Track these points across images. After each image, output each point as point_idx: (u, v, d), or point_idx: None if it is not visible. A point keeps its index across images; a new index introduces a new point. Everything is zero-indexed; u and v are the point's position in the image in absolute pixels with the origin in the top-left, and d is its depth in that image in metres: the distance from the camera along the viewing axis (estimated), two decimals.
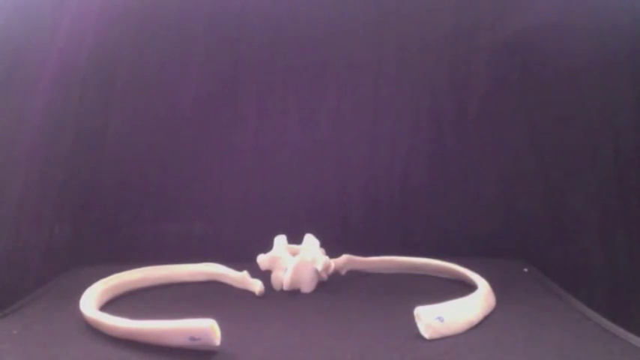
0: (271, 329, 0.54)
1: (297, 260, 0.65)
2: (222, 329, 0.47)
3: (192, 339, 0.47)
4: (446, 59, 0.83)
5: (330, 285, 0.68)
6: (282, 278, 0.65)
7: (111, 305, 0.61)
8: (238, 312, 0.59)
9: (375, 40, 0.83)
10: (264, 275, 0.66)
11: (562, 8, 0.78)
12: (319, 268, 0.65)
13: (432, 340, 0.50)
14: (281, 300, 0.63)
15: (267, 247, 0.67)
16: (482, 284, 0.60)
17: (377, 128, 0.83)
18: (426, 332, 0.50)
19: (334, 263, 0.68)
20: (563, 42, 0.77)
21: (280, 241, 0.68)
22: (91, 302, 0.57)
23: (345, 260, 0.71)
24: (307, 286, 0.65)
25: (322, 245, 0.68)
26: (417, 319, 0.50)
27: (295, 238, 0.68)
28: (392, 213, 0.82)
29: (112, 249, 0.80)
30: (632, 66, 0.75)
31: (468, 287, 0.62)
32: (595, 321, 0.55)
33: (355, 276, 0.71)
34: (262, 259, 0.66)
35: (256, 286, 0.65)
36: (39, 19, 0.76)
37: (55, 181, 0.78)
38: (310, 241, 0.67)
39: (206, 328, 0.46)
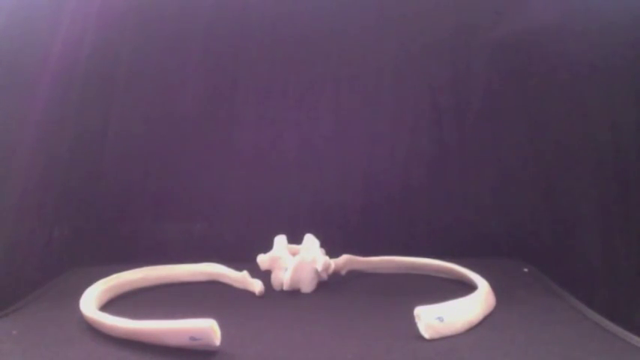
0: (271, 329, 0.54)
1: (297, 260, 0.65)
2: (222, 329, 0.47)
3: (192, 339, 0.47)
4: (446, 59, 0.83)
5: (330, 285, 0.68)
6: (282, 278, 0.65)
7: (111, 305, 0.61)
8: (238, 312, 0.59)
9: (375, 40, 0.83)
10: (264, 275, 0.66)
11: (562, 8, 0.78)
12: (319, 268, 0.65)
13: (432, 340, 0.50)
14: (281, 300, 0.63)
15: (267, 247, 0.67)
16: (482, 284, 0.60)
17: (377, 128, 0.83)
18: (426, 332, 0.50)
19: (334, 263, 0.68)
20: (563, 42, 0.77)
21: (280, 241, 0.68)
22: (91, 302, 0.57)
23: (345, 260, 0.71)
24: (307, 286, 0.65)
25: (322, 245, 0.68)
26: (417, 319, 0.50)
27: (295, 238, 0.68)
28: (392, 213, 0.82)
29: (112, 249, 0.80)
30: (633, 66, 0.75)
31: (468, 287, 0.62)
32: (595, 321, 0.55)
33: (355, 276, 0.71)
34: (262, 259, 0.66)
35: (256, 286, 0.65)
36: (39, 18, 0.76)
37: (55, 181, 0.78)
38: (310, 241, 0.67)
39: (206, 328, 0.46)
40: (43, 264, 0.75)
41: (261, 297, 0.64)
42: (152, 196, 0.82)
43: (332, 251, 0.69)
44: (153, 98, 0.82)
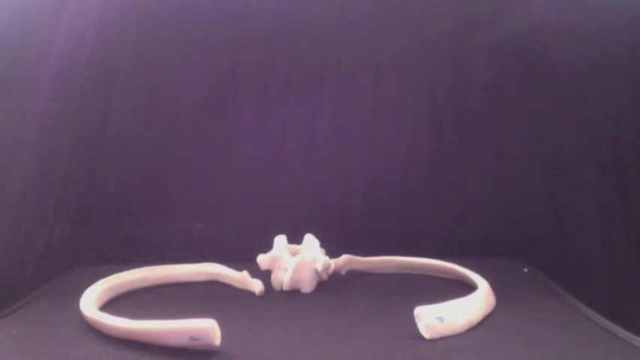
0: (271, 329, 0.54)
1: (297, 260, 0.65)
2: (222, 329, 0.47)
3: (192, 339, 0.47)
4: (446, 59, 0.83)
5: (330, 285, 0.68)
6: (282, 278, 0.65)
7: (111, 305, 0.61)
8: (238, 312, 0.59)
9: (375, 41, 0.83)
10: (264, 275, 0.66)
11: (562, 8, 0.78)
12: (319, 268, 0.65)
13: (432, 340, 0.50)
14: (281, 300, 0.63)
15: (267, 247, 0.67)
16: (482, 284, 0.60)
17: (377, 128, 0.83)
18: (426, 332, 0.50)
19: (334, 263, 0.68)
20: (563, 42, 0.77)
21: (280, 241, 0.68)
22: (91, 302, 0.57)
23: (345, 260, 0.71)
24: (307, 286, 0.65)
25: (322, 245, 0.68)
26: (417, 319, 0.50)
27: (295, 238, 0.68)
28: (392, 213, 0.82)
29: (112, 249, 0.80)
30: (632, 66, 0.75)
31: (468, 287, 0.62)
32: (595, 321, 0.55)
33: (355, 276, 0.71)
34: (262, 259, 0.66)
35: (256, 286, 0.65)
36: (38, 19, 0.76)
37: (55, 181, 0.78)
38: (310, 241, 0.67)
39: (206, 328, 0.46)
40: (43, 264, 0.75)
41: (261, 297, 0.64)
42: (152, 196, 0.82)
43: (332, 251, 0.69)
44: (153, 98, 0.82)
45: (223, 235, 0.82)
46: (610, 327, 0.53)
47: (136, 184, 0.82)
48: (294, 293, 0.65)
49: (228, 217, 0.83)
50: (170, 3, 0.82)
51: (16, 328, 0.54)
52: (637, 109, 0.74)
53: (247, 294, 0.65)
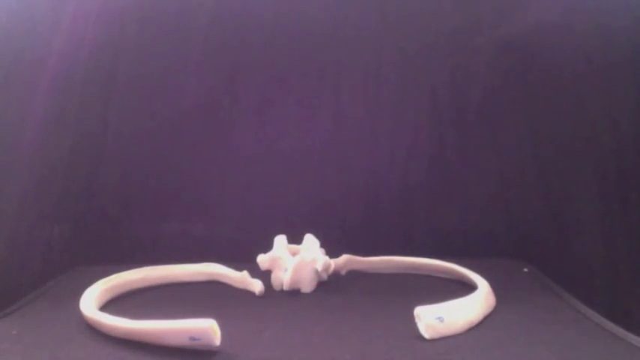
0: (271, 329, 0.54)
1: (297, 260, 0.65)
2: (222, 329, 0.47)
3: (192, 339, 0.47)
4: (446, 59, 0.83)
5: (330, 285, 0.68)
6: (282, 278, 0.65)
7: (111, 305, 0.61)
8: (238, 312, 0.59)
9: (374, 41, 0.83)
10: (264, 275, 0.66)
11: (562, 8, 0.78)
12: (319, 268, 0.65)
13: (432, 340, 0.50)
14: (281, 300, 0.64)
15: (267, 247, 0.67)
16: (483, 284, 0.60)
17: (377, 128, 0.83)
18: (426, 332, 0.50)
19: (334, 263, 0.68)
20: (563, 42, 0.77)
21: (280, 241, 0.68)
22: (91, 302, 0.57)
23: (345, 260, 0.71)
24: (307, 286, 0.65)
25: (322, 245, 0.68)
26: (417, 319, 0.50)
27: (295, 238, 0.68)
28: (392, 213, 0.82)
29: (112, 249, 0.80)
30: (633, 66, 0.75)
31: (468, 287, 0.62)
32: (595, 321, 0.55)
33: (355, 276, 0.71)
34: (262, 259, 0.66)
35: (256, 286, 0.65)
36: (39, 19, 0.76)
37: (55, 181, 0.78)
38: (310, 241, 0.67)
39: (206, 328, 0.46)
40: (43, 264, 0.75)
41: (261, 297, 0.64)
42: (152, 196, 0.82)
43: (332, 251, 0.69)
44: (153, 98, 0.82)
45: (223, 235, 0.82)
46: (610, 327, 0.53)
47: (135, 184, 0.82)
48: (294, 293, 0.65)
49: (228, 217, 0.83)
50: (170, 3, 0.82)
51: (16, 328, 0.54)
52: (637, 109, 0.74)
53: (247, 294, 0.65)
